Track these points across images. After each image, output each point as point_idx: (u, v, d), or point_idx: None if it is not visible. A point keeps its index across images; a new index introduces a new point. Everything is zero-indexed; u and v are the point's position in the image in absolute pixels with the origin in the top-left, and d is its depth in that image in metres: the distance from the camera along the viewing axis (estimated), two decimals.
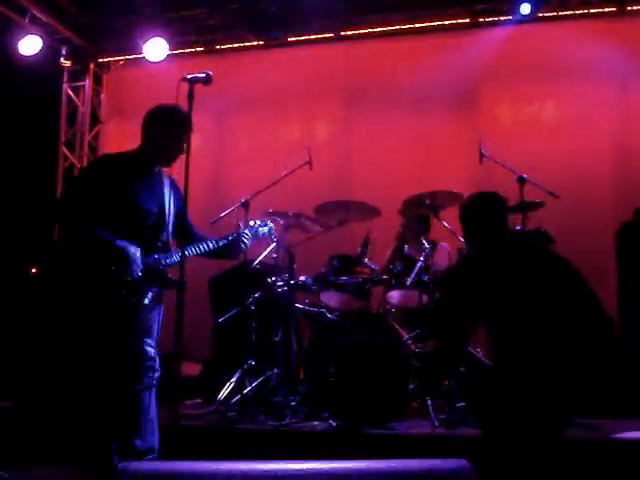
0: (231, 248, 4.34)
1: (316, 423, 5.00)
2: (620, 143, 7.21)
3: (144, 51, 7.90)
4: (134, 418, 3.84)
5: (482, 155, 5.92)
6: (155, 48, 7.88)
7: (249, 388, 5.44)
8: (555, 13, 7.26)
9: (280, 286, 5.72)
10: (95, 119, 8.96)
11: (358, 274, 5.74)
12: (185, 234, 4.20)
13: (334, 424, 4.88)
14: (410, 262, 5.66)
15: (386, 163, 7.47)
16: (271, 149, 7.29)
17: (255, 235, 4.50)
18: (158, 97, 8.25)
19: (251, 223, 4.56)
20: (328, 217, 5.95)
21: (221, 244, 4.26)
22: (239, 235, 4.36)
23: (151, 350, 3.95)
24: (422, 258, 5.55)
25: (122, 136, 8.67)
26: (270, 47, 7.91)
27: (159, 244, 4.02)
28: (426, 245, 5.63)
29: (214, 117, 7.90)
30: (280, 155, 6.69)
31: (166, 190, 4.10)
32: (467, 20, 7.53)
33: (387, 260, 6.11)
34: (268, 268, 5.88)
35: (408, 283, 5.50)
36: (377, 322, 5.39)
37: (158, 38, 7.81)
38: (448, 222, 5.79)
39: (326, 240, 6.07)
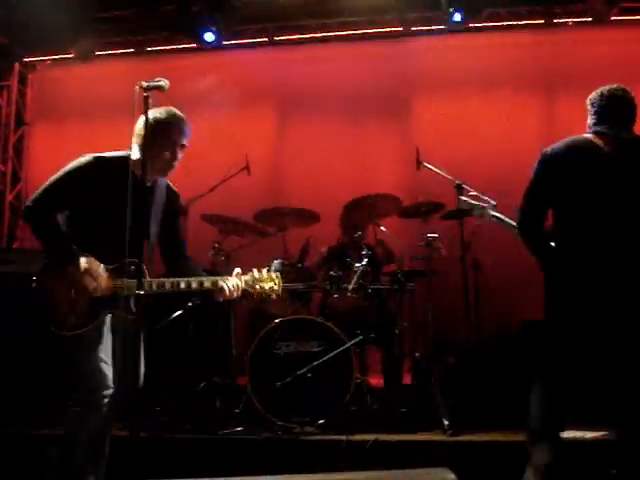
0: (206, 292, 3.79)
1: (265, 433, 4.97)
2: None
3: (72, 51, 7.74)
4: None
5: (419, 162, 6.02)
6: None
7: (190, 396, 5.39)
8: (485, 24, 7.43)
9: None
10: (20, 120, 8.69)
11: (298, 280, 5.76)
12: (171, 254, 3.97)
13: (279, 431, 4.88)
14: (349, 267, 5.70)
15: (323, 169, 7.50)
16: (207, 154, 7.21)
17: (250, 288, 3.82)
18: (86, 98, 8.12)
19: (254, 273, 3.85)
20: (267, 223, 5.96)
21: (193, 287, 3.70)
22: (217, 286, 3.71)
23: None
24: (363, 263, 5.59)
25: (48, 137, 8.48)
26: (204, 51, 7.84)
27: (132, 267, 3.58)
28: (365, 251, 5.69)
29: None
30: (217, 161, 6.63)
31: (155, 204, 3.82)
32: (400, 28, 7.64)
33: (321, 265, 6.14)
34: (206, 274, 5.83)
35: (350, 288, 5.53)
36: (318, 328, 5.40)
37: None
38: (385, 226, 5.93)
39: (265, 246, 6.07)
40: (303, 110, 7.80)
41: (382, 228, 5.99)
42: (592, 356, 3.84)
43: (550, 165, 3.98)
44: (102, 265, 3.59)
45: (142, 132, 3.57)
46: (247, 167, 6.27)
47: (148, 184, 3.77)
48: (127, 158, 3.71)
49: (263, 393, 5.10)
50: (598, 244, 3.78)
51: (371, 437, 4.75)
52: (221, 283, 3.68)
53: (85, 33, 7.82)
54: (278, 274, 3.90)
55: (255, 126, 7.94)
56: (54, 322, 3.55)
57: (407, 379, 5.88)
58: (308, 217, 6.00)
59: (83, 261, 3.53)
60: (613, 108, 4.05)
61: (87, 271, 3.53)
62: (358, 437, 4.79)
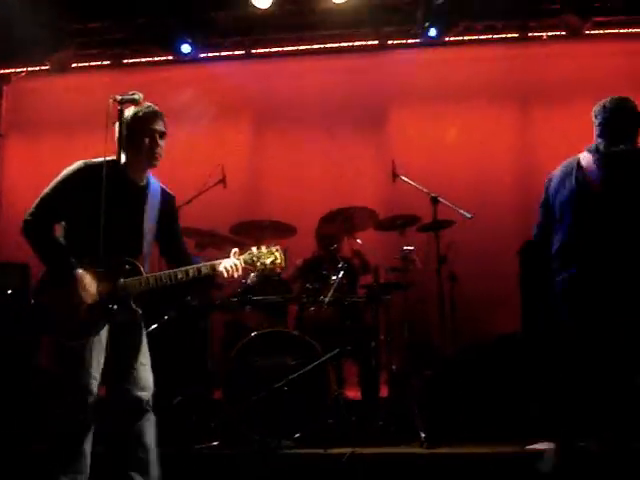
0: (207, 281, 3.90)
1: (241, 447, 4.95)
2: (522, 163, 7.51)
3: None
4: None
5: (395, 174, 6.04)
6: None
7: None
8: (461, 38, 7.48)
9: (195, 305, 5.67)
10: None
11: (275, 292, 5.76)
12: (171, 255, 3.95)
13: (255, 445, 4.86)
14: (325, 279, 5.70)
15: (300, 182, 7.51)
16: (183, 167, 7.18)
17: (251, 264, 3.81)
18: (62, 110, 8.07)
19: (252, 250, 3.82)
20: (244, 236, 5.95)
21: (191, 275, 3.71)
22: (215, 269, 3.74)
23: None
24: (339, 275, 5.60)
25: (23, 149, 8.41)
26: (179, 63, 7.83)
27: (127, 266, 3.66)
28: (341, 263, 5.70)
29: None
30: (193, 173, 6.59)
31: (149, 204, 3.79)
32: (376, 42, 7.67)
33: (297, 277, 6.14)
34: (181, 286, 5.80)
35: (326, 301, 5.53)
36: (294, 341, 5.39)
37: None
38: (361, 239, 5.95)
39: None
40: (280, 123, 7.80)
41: (358, 241, 6.01)
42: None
43: (547, 186, 4.35)
44: (99, 270, 3.55)
45: (121, 132, 3.58)
46: (223, 180, 6.26)
47: (141, 183, 3.79)
48: (115, 162, 3.68)
49: (239, 407, 5.08)
50: (587, 264, 3.94)
51: (348, 450, 4.75)
52: (219, 267, 3.71)
53: (61, 45, 7.77)
54: (278, 247, 3.83)
55: (232, 139, 7.93)
56: (59, 333, 3.58)
57: (384, 391, 5.88)
58: (284, 230, 6.01)
59: (80, 272, 3.56)
60: (614, 121, 4.12)
61: (84, 282, 3.55)
62: (335, 450, 4.79)
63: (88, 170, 3.66)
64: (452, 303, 6.35)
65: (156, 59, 7.87)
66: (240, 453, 4.85)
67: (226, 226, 6.01)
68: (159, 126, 3.76)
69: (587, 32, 7.23)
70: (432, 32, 7.20)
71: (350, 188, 7.28)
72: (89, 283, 3.56)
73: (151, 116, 3.75)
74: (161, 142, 3.77)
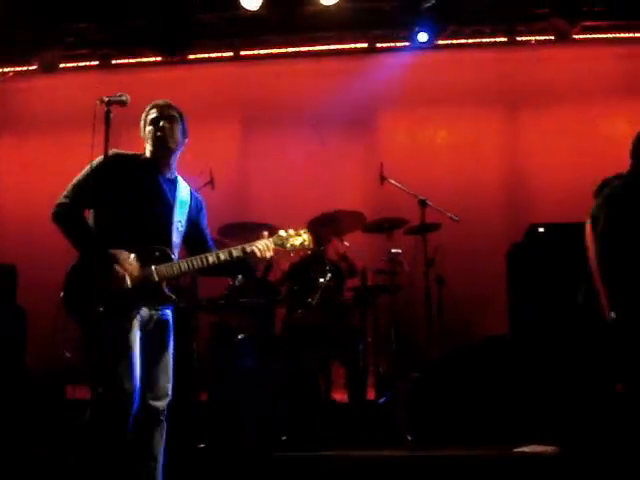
0: (239, 264, 3.79)
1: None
2: (510, 166, 7.55)
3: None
4: None
5: (383, 177, 6.05)
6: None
7: None
8: (449, 42, 7.49)
9: (182, 307, 5.64)
10: None
11: (261, 295, 5.75)
12: (199, 250, 3.81)
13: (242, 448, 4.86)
14: (312, 282, 5.70)
15: (287, 184, 7.50)
16: None
17: (281, 246, 3.85)
18: (50, 110, 8.04)
19: (281, 233, 3.88)
20: (231, 238, 5.93)
21: (222, 258, 3.70)
22: (247, 250, 3.71)
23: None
24: (326, 278, 5.60)
25: (11, 149, 8.36)
26: (169, 64, 7.81)
27: (157, 253, 3.62)
28: (328, 266, 5.70)
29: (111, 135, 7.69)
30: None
31: (179, 198, 3.79)
32: (365, 45, 7.67)
33: (284, 281, 6.13)
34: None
35: (312, 303, 5.53)
36: (281, 344, 5.39)
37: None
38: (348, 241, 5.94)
39: None
40: (268, 125, 7.78)
41: (345, 243, 6.02)
42: None
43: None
44: (132, 254, 3.56)
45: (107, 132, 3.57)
46: (211, 181, 6.25)
47: (169, 177, 3.82)
48: (143, 154, 3.79)
49: (225, 409, 5.07)
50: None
51: (334, 453, 4.75)
52: (250, 247, 3.71)
53: (49, 45, 7.74)
54: (305, 229, 3.92)
55: (220, 140, 7.92)
56: (99, 314, 3.39)
57: (372, 394, 5.89)
58: (272, 232, 5.97)
59: (113, 253, 3.52)
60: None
61: (117, 262, 3.51)
62: (321, 453, 4.80)
63: (119, 159, 3.69)
64: (439, 305, 6.36)
65: (144, 60, 7.83)
66: (226, 456, 4.84)
67: (213, 228, 5.99)
68: (152, 114, 3.78)
69: (575, 36, 7.25)
70: (422, 37, 7.20)
71: (338, 191, 7.28)
72: (126, 259, 3.53)
73: (147, 109, 3.81)
74: (163, 123, 3.74)
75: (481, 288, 6.74)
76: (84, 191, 3.60)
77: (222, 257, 3.69)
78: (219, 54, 7.81)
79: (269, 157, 7.65)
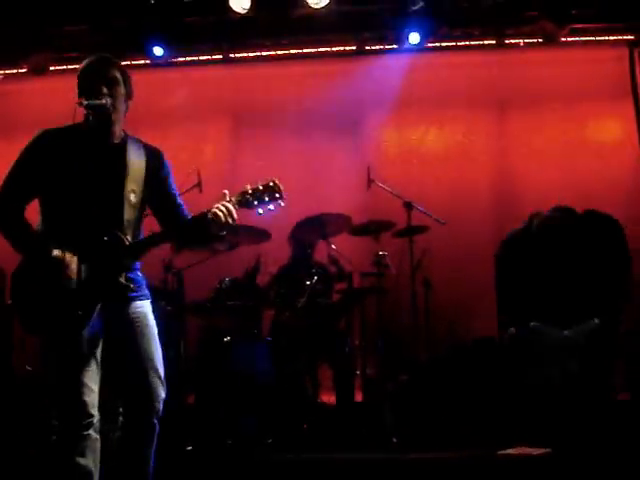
0: (201, 230, 3.27)
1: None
2: (500, 169, 7.55)
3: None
4: None
5: (370, 180, 6.06)
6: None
7: None
8: (438, 44, 7.50)
9: (169, 310, 5.66)
10: None
11: (249, 297, 5.75)
12: (168, 219, 3.42)
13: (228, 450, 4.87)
14: (300, 284, 5.71)
15: None
16: None
17: (247, 205, 3.30)
18: (40, 112, 8.02)
19: (246, 187, 3.29)
20: (218, 240, 5.93)
21: (183, 226, 3.32)
22: (208, 212, 3.21)
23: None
24: (313, 280, 5.61)
25: (2, 151, 8.34)
26: (157, 67, 7.79)
27: (105, 238, 3.18)
28: (315, 268, 5.72)
29: None
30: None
31: (130, 164, 3.32)
32: (354, 47, 7.67)
33: (273, 284, 6.13)
34: (156, 291, 5.79)
35: (299, 305, 5.54)
36: (268, 346, 5.39)
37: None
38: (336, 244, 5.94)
39: (216, 264, 6.04)
40: (257, 127, 7.77)
41: (332, 246, 6.02)
42: None
43: None
44: (69, 254, 3.12)
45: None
46: (199, 184, 6.24)
47: (115, 142, 3.37)
48: (79, 124, 3.35)
49: (212, 411, 5.08)
50: None
51: (320, 455, 4.76)
52: (211, 212, 3.19)
53: (38, 48, 7.75)
54: (274, 179, 3.34)
55: (209, 143, 7.92)
56: (44, 328, 3.13)
57: (359, 396, 5.89)
58: (259, 235, 5.99)
59: (56, 253, 3.11)
60: None
61: (62, 262, 3.11)
62: (307, 455, 4.80)
63: (49, 136, 3.29)
64: (426, 308, 6.37)
65: (133, 63, 7.80)
66: (212, 458, 4.85)
67: None
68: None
69: (563, 39, 7.27)
70: (414, 38, 7.19)
71: (326, 193, 7.26)
72: (69, 262, 3.11)
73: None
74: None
75: (469, 290, 6.74)
76: (17, 183, 3.24)
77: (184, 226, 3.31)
78: (208, 57, 7.79)
79: (258, 159, 7.63)
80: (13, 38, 7.66)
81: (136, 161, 3.36)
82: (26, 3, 7.14)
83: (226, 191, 3.30)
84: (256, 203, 3.28)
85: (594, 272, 5.19)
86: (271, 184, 3.31)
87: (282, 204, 3.36)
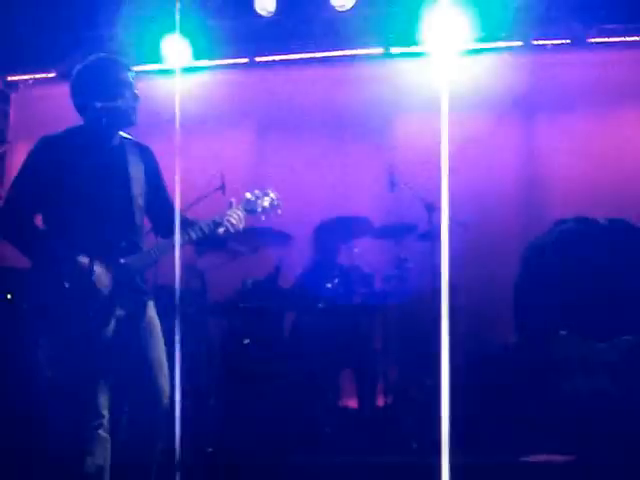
0: (212, 239, 3.48)
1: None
2: (526, 174, 7.45)
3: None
4: None
5: (393, 184, 6.02)
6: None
7: None
8: (464, 47, 7.43)
9: (193, 311, 5.69)
10: (3, 139, 8.69)
11: (270, 299, 5.76)
12: (164, 219, 3.41)
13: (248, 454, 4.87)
14: (321, 287, 5.71)
15: (298, 189, 7.44)
16: (183, 174, 7.21)
17: (252, 212, 3.67)
18: (68, 117, 8.11)
19: (248, 196, 3.66)
20: (240, 243, 5.95)
21: (195, 237, 3.40)
22: (219, 226, 3.45)
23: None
24: (335, 283, 5.60)
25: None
26: (184, 71, 7.85)
27: (123, 243, 3.24)
28: (337, 271, 5.71)
29: None
30: (194, 181, 6.62)
31: (131, 166, 3.37)
32: (380, 50, 7.64)
33: (293, 285, 6.14)
34: (179, 292, 5.82)
35: (320, 308, 5.53)
36: (288, 350, 5.39)
37: None
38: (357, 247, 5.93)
39: (239, 266, 6.06)
40: (282, 131, 7.79)
41: (355, 250, 6.01)
42: None
43: None
44: (90, 259, 3.14)
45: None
46: (223, 186, 6.26)
47: (114, 143, 3.41)
48: (80, 127, 3.38)
49: (234, 414, 5.09)
50: None
51: (341, 459, 4.74)
52: (222, 222, 3.46)
53: (68, 53, 7.84)
54: (270, 189, 3.87)
55: (234, 146, 7.94)
56: (59, 333, 3.14)
57: (382, 401, 5.86)
58: (281, 237, 6.01)
59: (84, 259, 3.13)
60: None
61: (91, 268, 3.12)
62: (325, 460, 4.78)
63: (49, 144, 3.30)
64: (451, 312, 6.28)
65: (159, 67, 7.88)
66: (232, 460, 4.85)
67: None
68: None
69: (591, 40, 7.18)
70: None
71: (349, 196, 7.23)
72: (98, 267, 3.13)
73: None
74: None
75: (494, 294, 6.66)
76: (23, 193, 3.24)
77: (194, 236, 3.41)
78: (233, 60, 7.82)
79: (281, 163, 7.64)
80: (42, 43, 7.77)
81: (135, 162, 3.41)
82: (54, 8, 7.24)
83: (233, 199, 3.63)
84: (259, 210, 3.71)
85: (622, 285, 5.09)
86: (268, 191, 3.82)
87: (279, 212, 3.86)
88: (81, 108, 3.37)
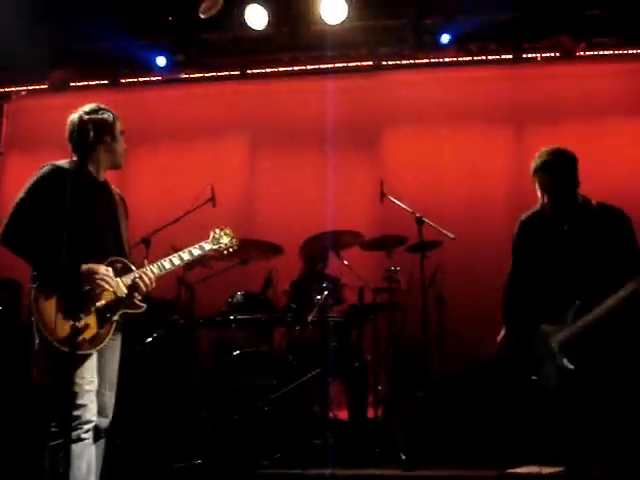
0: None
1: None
2: (515, 185, 7.45)
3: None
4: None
5: (383, 194, 6.03)
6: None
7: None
8: (455, 59, 7.48)
9: (181, 323, 5.69)
10: None
11: (260, 312, 5.75)
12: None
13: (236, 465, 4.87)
14: (311, 300, 5.70)
15: (289, 201, 7.51)
16: (174, 186, 7.24)
17: (217, 247, 4.13)
18: (61, 128, 8.12)
19: (214, 234, 4.16)
20: (230, 255, 5.95)
21: (177, 264, 3.84)
22: (194, 254, 3.98)
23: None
24: (324, 295, 5.61)
25: (22, 167, 8.45)
26: (176, 83, 7.88)
27: (118, 265, 3.58)
28: (326, 283, 5.71)
29: None
30: (183, 192, 6.62)
31: (116, 201, 3.83)
32: (370, 63, 7.68)
33: (283, 297, 6.13)
34: (168, 305, 5.83)
35: (309, 320, 5.53)
36: (277, 361, 5.38)
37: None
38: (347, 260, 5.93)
39: (228, 278, 6.06)
40: (274, 143, 7.83)
41: (344, 262, 6.02)
42: None
43: None
44: (108, 267, 3.53)
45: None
46: (212, 199, 6.25)
47: (102, 180, 3.79)
48: (76, 162, 3.67)
49: (223, 425, 5.08)
50: None
51: (327, 471, 4.74)
52: (197, 250, 4.00)
53: (59, 64, 7.86)
54: (227, 229, 4.19)
55: (226, 158, 7.96)
56: (59, 340, 3.32)
57: (372, 412, 5.85)
58: (271, 249, 6.02)
59: (85, 268, 3.42)
60: None
61: (94, 276, 3.44)
62: (313, 471, 4.78)
63: (57, 172, 3.56)
64: (440, 324, 6.32)
65: (153, 79, 7.90)
66: (222, 472, 4.85)
67: None
68: (120, 126, 3.85)
69: (581, 53, 7.23)
70: (445, 39, 7.15)
71: (339, 207, 7.24)
72: (105, 272, 3.46)
73: (112, 117, 3.82)
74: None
75: (483, 307, 6.66)
76: (30, 209, 3.48)
77: (176, 263, 3.82)
78: (226, 72, 7.86)
79: (273, 175, 7.68)
80: (35, 54, 7.78)
81: (117, 198, 3.85)
82: (47, 19, 7.26)
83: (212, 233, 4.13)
84: (223, 245, 4.17)
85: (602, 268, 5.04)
86: (226, 230, 4.18)
87: (235, 248, 4.23)
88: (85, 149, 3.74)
